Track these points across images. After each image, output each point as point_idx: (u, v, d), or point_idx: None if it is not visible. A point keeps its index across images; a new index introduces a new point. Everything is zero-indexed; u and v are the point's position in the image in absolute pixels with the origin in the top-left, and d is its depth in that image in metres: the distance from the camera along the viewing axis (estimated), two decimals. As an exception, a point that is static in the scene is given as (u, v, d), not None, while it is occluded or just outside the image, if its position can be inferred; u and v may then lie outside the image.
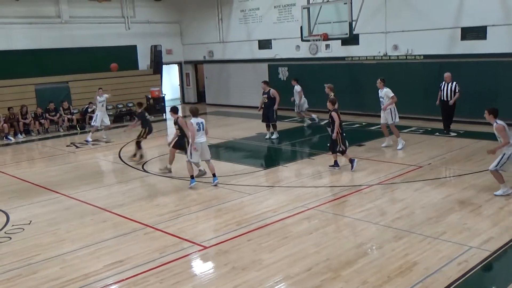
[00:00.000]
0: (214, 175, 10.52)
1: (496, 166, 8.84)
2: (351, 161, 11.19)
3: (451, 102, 14.61)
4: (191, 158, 10.30)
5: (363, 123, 17.05)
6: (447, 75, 14.92)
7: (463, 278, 5.93)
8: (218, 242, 7.43)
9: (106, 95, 17.22)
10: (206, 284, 6.19)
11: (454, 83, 14.70)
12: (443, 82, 14.86)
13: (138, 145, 13.21)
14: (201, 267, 6.87)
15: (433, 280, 5.88)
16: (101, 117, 16.69)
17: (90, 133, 16.83)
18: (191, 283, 6.19)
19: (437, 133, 14.91)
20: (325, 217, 8.33)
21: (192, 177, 10.41)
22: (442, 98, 14.77)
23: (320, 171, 11.44)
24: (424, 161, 11.80)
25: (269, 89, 15.22)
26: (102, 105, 16.81)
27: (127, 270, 6.59)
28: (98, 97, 16.81)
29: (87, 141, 16.49)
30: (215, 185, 10.42)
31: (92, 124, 17.16)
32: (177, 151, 11.62)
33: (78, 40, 22.00)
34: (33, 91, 19.92)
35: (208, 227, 8.18)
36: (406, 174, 10.67)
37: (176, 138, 11.47)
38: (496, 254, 6.54)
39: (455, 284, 5.79)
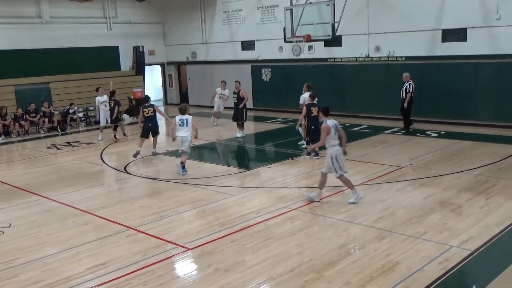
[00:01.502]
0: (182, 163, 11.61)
1: (336, 172, 8.82)
2: (316, 153, 12.41)
3: (405, 104, 15.55)
4: (181, 147, 11.59)
5: (346, 124, 17.14)
6: (405, 75, 15.83)
7: (444, 277, 6.00)
8: (202, 243, 7.41)
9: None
10: (189, 286, 6.17)
11: (408, 83, 15.54)
12: (404, 82, 15.76)
13: None
14: (184, 268, 6.84)
15: (414, 280, 5.94)
16: (105, 116, 16.65)
17: (100, 132, 16.91)
18: (174, 285, 6.17)
19: (418, 134, 15.08)
20: (308, 218, 8.36)
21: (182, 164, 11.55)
22: (401, 97, 15.84)
23: (303, 172, 11.48)
24: (406, 162, 11.93)
25: (240, 89, 15.91)
26: (105, 105, 16.66)
27: (109, 273, 6.54)
28: (99, 97, 16.69)
29: (99, 140, 16.66)
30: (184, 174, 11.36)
31: (101, 124, 16.91)
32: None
33: (59, 40, 21.77)
34: (13, 92, 19.65)
35: (191, 228, 8.16)
36: (388, 174, 10.77)
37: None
38: (476, 253, 6.64)
39: (436, 283, 5.86)
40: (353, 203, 8.85)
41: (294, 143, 14.27)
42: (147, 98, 14.26)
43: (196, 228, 8.11)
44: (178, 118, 11.49)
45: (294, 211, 8.66)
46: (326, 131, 8.80)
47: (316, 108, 12.23)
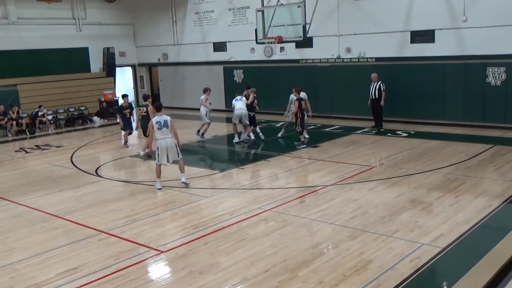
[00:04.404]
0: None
1: (156, 160, 10.20)
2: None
3: (381, 102, 15.84)
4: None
5: (318, 125, 17.28)
6: (373, 75, 16.10)
7: (416, 275, 6.09)
8: (175, 246, 7.35)
9: None
10: (163, 289, 6.12)
11: (379, 82, 15.87)
12: (371, 83, 16.02)
13: None
14: (157, 272, 6.78)
15: (387, 277, 6.02)
16: None
17: None
18: (147, 289, 6.11)
19: (389, 134, 15.29)
20: (281, 218, 8.38)
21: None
22: (371, 97, 16.10)
23: (276, 172, 11.51)
24: (377, 161, 12.09)
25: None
26: None
27: (81, 278, 6.42)
28: None
29: None
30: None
31: None
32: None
33: (27, 41, 21.33)
34: (-21, 95, 19.17)
35: (165, 231, 8.08)
36: (360, 174, 10.89)
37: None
38: (446, 250, 6.76)
39: (408, 281, 5.94)
40: (158, 188, 10.24)
41: (267, 143, 14.30)
42: (144, 97, 14.30)
43: (169, 231, 8.05)
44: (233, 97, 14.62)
45: (268, 212, 8.67)
46: (150, 126, 10.15)
47: (304, 100, 14.08)
